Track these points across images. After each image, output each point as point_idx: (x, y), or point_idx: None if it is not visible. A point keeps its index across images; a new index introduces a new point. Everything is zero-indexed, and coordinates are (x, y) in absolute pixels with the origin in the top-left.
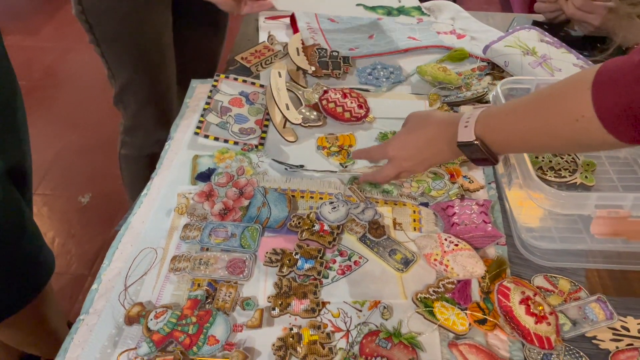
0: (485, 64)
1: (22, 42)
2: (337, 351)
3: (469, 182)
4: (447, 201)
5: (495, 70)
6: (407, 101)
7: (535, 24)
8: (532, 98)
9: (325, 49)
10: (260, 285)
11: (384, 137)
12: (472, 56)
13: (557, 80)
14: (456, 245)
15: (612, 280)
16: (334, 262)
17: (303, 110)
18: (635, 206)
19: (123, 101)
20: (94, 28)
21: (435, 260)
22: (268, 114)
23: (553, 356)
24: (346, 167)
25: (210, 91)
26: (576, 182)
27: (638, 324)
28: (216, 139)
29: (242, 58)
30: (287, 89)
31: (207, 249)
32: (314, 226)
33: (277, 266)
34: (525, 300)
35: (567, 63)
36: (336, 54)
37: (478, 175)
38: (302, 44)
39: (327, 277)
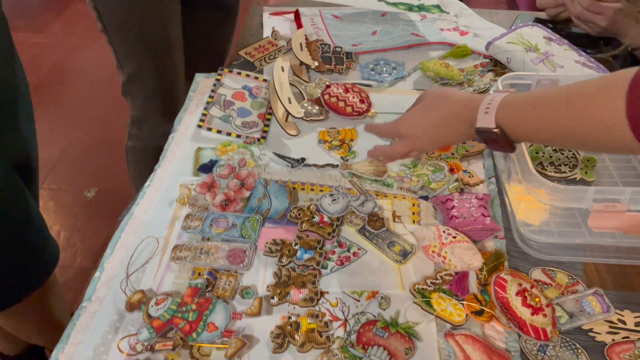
0: (487, 60)
1: (30, 38)
2: (334, 339)
3: (469, 176)
4: (446, 195)
5: (498, 67)
6: (409, 96)
7: (539, 21)
8: (562, 94)
9: (329, 45)
10: (260, 275)
11: None
12: (474, 53)
13: (559, 76)
14: (454, 237)
15: (610, 274)
16: (333, 253)
17: (305, 105)
18: (633, 200)
19: (130, 92)
20: (102, 16)
21: (433, 252)
22: (271, 107)
23: (549, 347)
24: (347, 160)
25: (214, 85)
26: (576, 178)
27: (635, 317)
28: (219, 131)
29: (245, 53)
30: (290, 83)
31: (208, 239)
32: (313, 218)
33: (276, 256)
34: (521, 292)
35: (569, 60)
36: (339, 49)
37: (478, 170)
38: (306, 39)
39: (326, 268)
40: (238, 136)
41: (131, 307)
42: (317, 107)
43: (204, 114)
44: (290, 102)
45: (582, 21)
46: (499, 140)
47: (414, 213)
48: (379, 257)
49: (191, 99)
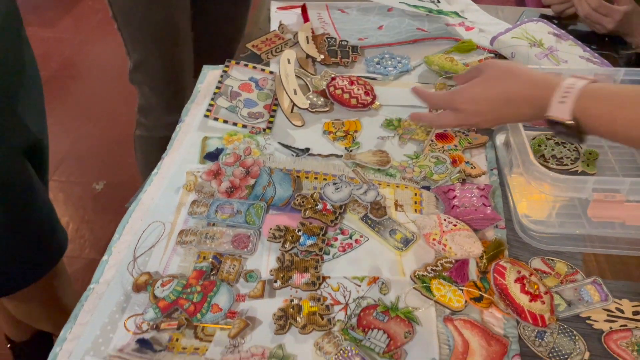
0: (492, 55)
1: (41, 33)
2: (335, 322)
3: (471, 167)
4: (448, 185)
5: None
6: None
7: (544, 17)
8: None
9: (335, 38)
10: (264, 260)
11: (389, 124)
12: (479, 48)
13: (562, 69)
14: (455, 225)
15: (609, 264)
16: (336, 239)
17: (311, 96)
18: (632, 191)
19: (136, 79)
20: (112, 3)
21: (434, 239)
22: (276, 99)
23: (547, 334)
24: (351, 151)
25: (221, 76)
26: (577, 171)
27: (633, 306)
28: (225, 121)
29: (253, 45)
30: (296, 75)
31: (214, 224)
32: (317, 205)
33: (280, 242)
34: (520, 280)
35: (573, 55)
36: (345, 43)
37: (480, 161)
38: (312, 32)
39: (328, 254)
40: (244, 126)
41: (138, 288)
42: (322, 99)
43: (210, 104)
44: (295, 94)
45: (590, 21)
46: (569, 132)
47: (415, 202)
48: (380, 245)
49: (199, 90)
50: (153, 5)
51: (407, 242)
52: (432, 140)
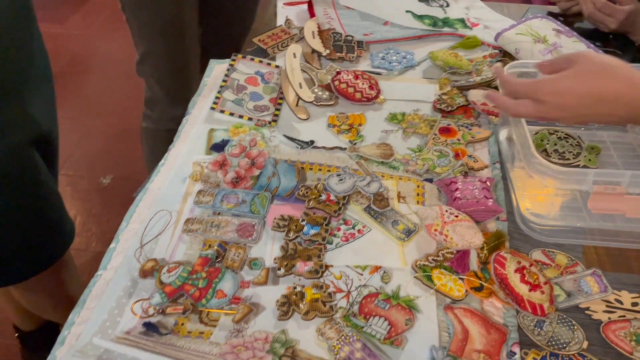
0: (496, 51)
1: (50, 29)
2: (337, 309)
3: (474, 161)
4: (450, 177)
5: (507, 58)
6: (417, 84)
7: (551, 15)
8: None
9: (340, 34)
10: (268, 248)
11: (393, 118)
12: (484, 44)
13: None
14: (456, 216)
15: (609, 256)
16: (339, 229)
17: (316, 90)
18: (632, 183)
19: (143, 71)
20: None
21: (435, 230)
22: (282, 93)
23: (546, 323)
24: (355, 144)
25: (228, 70)
26: (579, 165)
27: (632, 298)
28: (231, 114)
29: (259, 40)
30: (301, 69)
31: (219, 214)
32: (320, 196)
33: (284, 231)
34: (520, 270)
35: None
36: (351, 38)
37: (483, 155)
38: (318, 28)
39: (332, 243)
40: (250, 119)
41: (144, 274)
42: (327, 93)
43: (217, 97)
44: (301, 87)
45: (593, 20)
46: None
47: (418, 194)
48: (382, 235)
49: (205, 83)
50: (160, 0)
51: (409, 233)
52: (435, 134)
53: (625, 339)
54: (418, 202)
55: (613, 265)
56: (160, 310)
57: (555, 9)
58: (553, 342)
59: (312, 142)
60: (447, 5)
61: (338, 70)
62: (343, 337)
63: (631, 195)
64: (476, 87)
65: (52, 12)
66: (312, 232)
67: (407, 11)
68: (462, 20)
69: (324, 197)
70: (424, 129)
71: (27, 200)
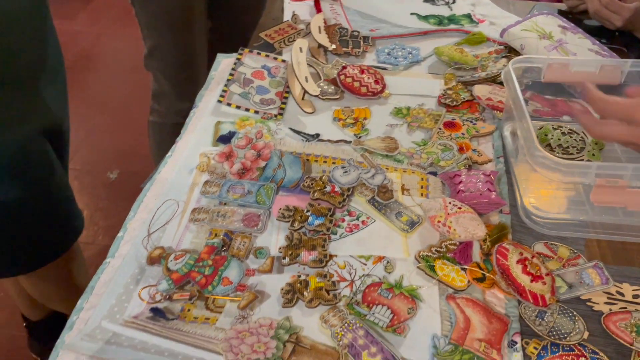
0: (502, 47)
1: (59, 26)
2: (341, 297)
3: (478, 155)
4: (454, 170)
5: (512, 54)
6: (423, 79)
7: (560, 14)
8: None
9: (346, 29)
10: (273, 238)
11: (398, 112)
12: (489, 40)
13: (570, 59)
14: (459, 208)
15: (611, 249)
16: (343, 220)
17: (322, 84)
18: (635, 176)
19: (150, 65)
20: None
21: (439, 222)
22: (288, 87)
23: (547, 314)
24: (360, 137)
25: (235, 63)
26: (583, 160)
27: (634, 290)
28: (238, 107)
29: (266, 35)
30: (308, 64)
31: (225, 204)
32: (325, 187)
33: (289, 221)
34: (522, 261)
35: (582, 48)
36: (357, 33)
37: (487, 149)
38: (325, 23)
39: (336, 234)
40: (256, 112)
41: (152, 261)
42: (332, 87)
43: (224, 90)
44: (307, 81)
45: (599, 18)
46: None
47: (422, 187)
48: (386, 226)
49: (213, 77)
50: None
51: (412, 224)
52: (440, 129)
53: (626, 330)
54: (422, 195)
55: (615, 259)
56: (167, 297)
57: (561, 6)
58: (554, 332)
59: (317, 135)
60: (453, 2)
61: (344, 64)
62: (346, 324)
63: (633, 189)
64: (481, 82)
65: (61, 8)
66: (317, 222)
67: (412, 13)
68: (468, 16)
69: (328, 188)
70: (429, 123)
71: (38, 190)
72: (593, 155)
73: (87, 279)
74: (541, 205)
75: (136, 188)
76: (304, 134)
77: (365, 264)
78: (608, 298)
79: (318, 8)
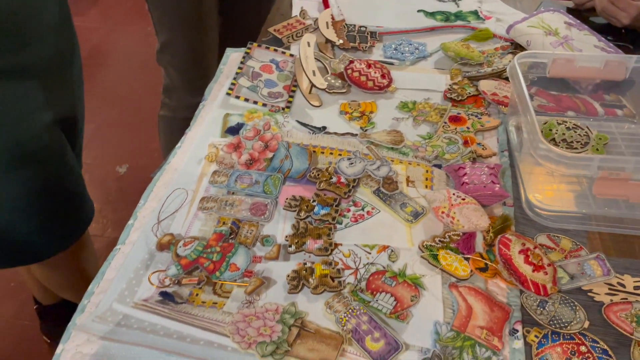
0: (508, 44)
1: None
2: (345, 285)
3: (482, 148)
4: (459, 163)
5: (518, 50)
6: (429, 74)
7: (569, 12)
8: None
9: (354, 25)
10: (279, 226)
11: (404, 106)
12: (496, 36)
13: (575, 55)
14: (463, 199)
15: (614, 242)
16: (348, 210)
17: (329, 78)
18: (637, 169)
19: (162, 60)
20: None
21: (442, 212)
22: (296, 80)
23: (548, 304)
24: (366, 130)
25: (243, 57)
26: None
27: (635, 281)
28: (246, 100)
29: (274, 30)
30: (315, 58)
31: (233, 193)
32: (331, 178)
33: (295, 211)
34: (524, 251)
35: (588, 44)
36: (364, 29)
37: (492, 143)
38: (332, 19)
39: (341, 223)
40: (264, 105)
41: (161, 247)
42: (339, 81)
43: (232, 84)
44: (314, 75)
45: (606, 15)
46: None
47: (427, 179)
48: (391, 217)
49: (222, 71)
50: None
51: (416, 215)
52: (445, 123)
53: (627, 320)
54: (426, 187)
55: (617, 251)
56: (176, 281)
57: (568, 4)
58: (555, 322)
59: (324, 127)
60: None
61: (351, 59)
62: (350, 310)
63: (635, 181)
64: (487, 77)
65: (72, 5)
66: (323, 212)
67: (418, 10)
68: (475, 13)
69: (334, 179)
70: (434, 117)
71: (51, 179)
72: (597, 149)
73: (96, 269)
74: (544, 198)
75: (145, 182)
76: (311, 126)
77: (370, 253)
78: (609, 289)
79: (326, 4)
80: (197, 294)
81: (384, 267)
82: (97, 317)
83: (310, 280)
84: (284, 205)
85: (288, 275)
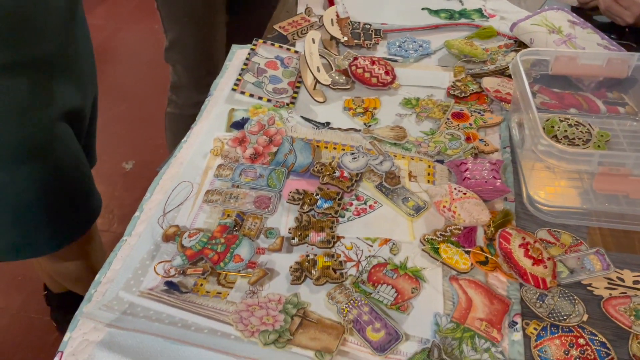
0: (511, 41)
1: None
2: (347, 277)
3: (485, 144)
4: (461, 159)
5: (522, 48)
6: (432, 72)
7: (573, 10)
8: None
9: (359, 22)
10: (283, 219)
11: (407, 102)
12: (499, 34)
13: (577, 52)
14: (464, 194)
15: (614, 237)
16: (351, 204)
17: (333, 74)
18: (637, 165)
19: (171, 58)
20: None
21: (444, 207)
22: (300, 77)
23: (548, 297)
24: (369, 126)
25: (249, 54)
26: None
27: (634, 276)
28: (251, 95)
29: (279, 27)
30: (320, 55)
31: (238, 186)
32: (334, 172)
33: (298, 204)
34: (524, 245)
35: (591, 42)
36: (369, 26)
37: (494, 140)
38: (337, 16)
39: (344, 217)
40: (269, 100)
41: (167, 238)
42: (344, 77)
43: (238, 79)
44: (319, 71)
45: (610, 14)
46: None
47: (429, 174)
48: (393, 211)
49: (227, 67)
50: None
51: (418, 210)
52: (448, 119)
53: (625, 314)
54: (429, 182)
55: (617, 246)
56: (181, 271)
57: (572, 2)
58: (554, 314)
59: (328, 123)
60: None
61: (355, 56)
62: (352, 301)
63: (636, 177)
64: (490, 74)
65: None
66: (325, 205)
67: (423, 8)
68: (479, 11)
69: (337, 173)
70: (437, 113)
71: (57, 172)
72: (598, 146)
73: (104, 262)
74: (545, 194)
75: (151, 178)
76: (315, 122)
77: (372, 246)
78: (608, 283)
79: (331, 1)
80: (201, 284)
81: (385, 260)
82: (104, 306)
83: (313, 271)
84: (287, 198)
85: (291, 267)
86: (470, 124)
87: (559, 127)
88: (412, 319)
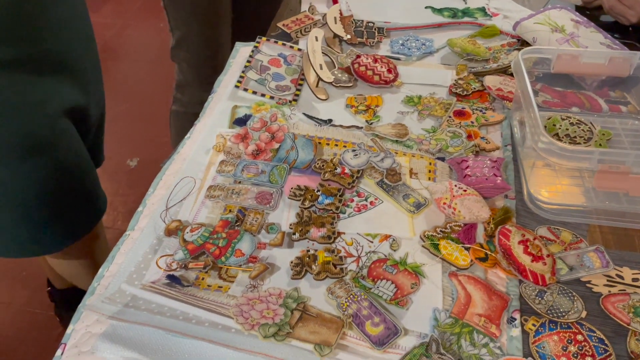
0: (514, 40)
1: None
2: (347, 272)
3: (486, 142)
4: (462, 156)
5: (524, 46)
6: (435, 70)
7: (576, 9)
8: None
9: (362, 20)
10: (284, 215)
11: (409, 100)
12: (502, 33)
13: (580, 51)
14: (465, 191)
15: (614, 235)
16: (352, 201)
17: (336, 72)
18: (637, 162)
19: (177, 56)
20: None
21: (444, 204)
22: (303, 74)
23: (547, 293)
24: (371, 123)
25: (252, 51)
26: None
27: (633, 274)
28: (254, 92)
29: (283, 25)
30: (323, 52)
31: (240, 182)
32: (336, 169)
33: (300, 200)
34: (524, 242)
35: (594, 41)
36: (372, 24)
37: (495, 137)
38: (340, 14)
39: (344, 213)
40: (271, 97)
41: (169, 232)
42: (346, 75)
43: (241, 76)
44: (321, 68)
45: (614, 13)
46: None
47: (430, 171)
48: (393, 207)
49: (231, 64)
50: None
51: (419, 206)
52: (450, 117)
53: (624, 311)
54: (429, 179)
55: (617, 244)
56: (183, 265)
57: (576, 1)
58: (553, 311)
59: (330, 120)
60: None
61: (358, 54)
62: (351, 296)
63: (636, 175)
64: (492, 73)
65: (87, 0)
66: (327, 201)
67: (426, 7)
68: (482, 9)
69: (339, 170)
70: (439, 111)
71: (61, 170)
72: (600, 145)
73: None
74: (546, 191)
75: (155, 175)
76: (317, 119)
77: (372, 242)
78: (608, 281)
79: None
80: (203, 278)
81: (385, 256)
82: (107, 298)
83: (313, 266)
84: (289, 194)
85: (291, 262)
86: (472, 122)
87: (560, 126)
88: (411, 314)
